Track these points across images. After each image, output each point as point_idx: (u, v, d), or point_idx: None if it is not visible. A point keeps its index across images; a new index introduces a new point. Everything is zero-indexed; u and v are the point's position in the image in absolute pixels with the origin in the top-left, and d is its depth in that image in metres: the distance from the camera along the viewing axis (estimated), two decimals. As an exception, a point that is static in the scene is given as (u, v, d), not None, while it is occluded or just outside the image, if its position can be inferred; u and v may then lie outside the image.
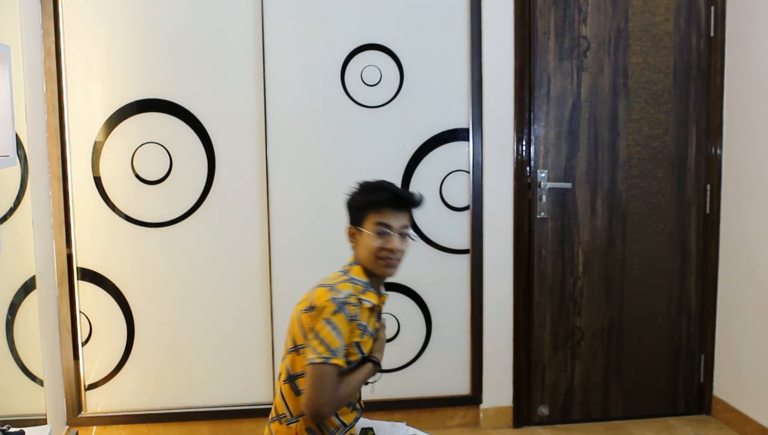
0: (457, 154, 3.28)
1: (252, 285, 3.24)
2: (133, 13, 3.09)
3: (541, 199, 3.31)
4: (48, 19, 3.01)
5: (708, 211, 3.43)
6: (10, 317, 2.62)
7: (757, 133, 3.16)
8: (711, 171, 3.42)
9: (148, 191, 3.17)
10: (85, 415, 3.20)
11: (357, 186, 2.10)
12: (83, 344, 3.20)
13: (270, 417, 2.11)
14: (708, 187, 3.42)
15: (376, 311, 2.07)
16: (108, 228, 3.16)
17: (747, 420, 3.25)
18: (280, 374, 2.09)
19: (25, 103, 2.75)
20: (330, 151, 3.22)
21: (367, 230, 2.02)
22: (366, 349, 2.04)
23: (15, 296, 2.69)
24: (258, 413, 3.27)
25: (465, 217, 3.32)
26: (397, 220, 2.02)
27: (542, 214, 3.32)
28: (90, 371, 3.22)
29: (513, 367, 3.39)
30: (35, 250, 2.84)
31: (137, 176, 3.16)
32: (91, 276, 3.18)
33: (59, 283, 3.11)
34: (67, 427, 3.17)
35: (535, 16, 3.24)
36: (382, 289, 2.12)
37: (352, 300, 1.96)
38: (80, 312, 3.18)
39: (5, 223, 2.54)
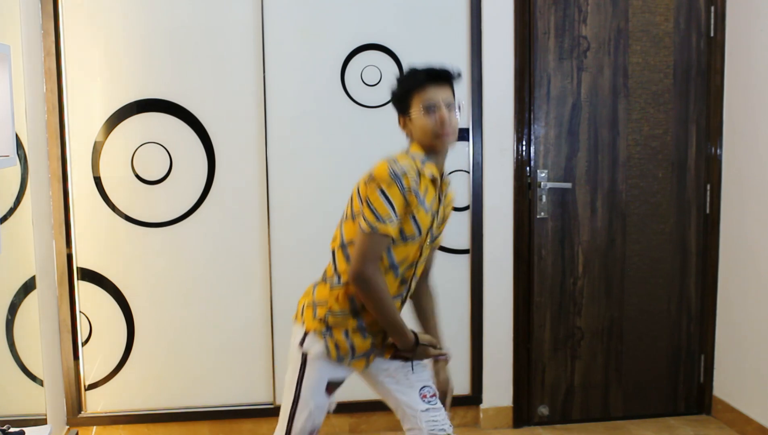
0: (457, 154, 3.28)
1: (252, 285, 3.24)
2: (133, 13, 3.09)
3: (541, 199, 3.31)
4: (48, 19, 3.01)
5: (708, 211, 3.43)
6: (10, 317, 2.62)
7: (757, 133, 3.16)
8: (711, 171, 3.42)
9: (148, 191, 3.17)
10: (85, 415, 3.21)
11: (394, 80, 2.15)
12: (83, 344, 3.20)
13: (317, 280, 2.19)
14: (708, 187, 3.43)
15: (437, 186, 2.07)
16: (108, 228, 3.16)
17: (747, 420, 3.25)
18: (335, 238, 2.14)
19: (25, 103, 2.75)
20: (330, 151, 3.22)
21: (415, 113, 2.06)
22: (423, 224, 2.02)
23: (15, 296, 2.69)
24: (258, 413, 3.28)
25: (465, 217, 3.32)
26: (439, 95, 2.06)
27: (542, 214, 3.32)
28: (90, 371, 3.22)
29: (513, 367, 3.39)
30: (35, 250, 2.84)
31: (137, 176, 3.16)
32: (91, 276, 3.18)
33: (59, 283, 3.11)
34: (67, 427, 3.17)
35: (535, 16, 3.24)
36: (445, 172, 2.12)
37: (411, 173, 1.98)
38: (80, 312, 3.18)
39: (5, 223, 2.54)
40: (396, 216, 1.97)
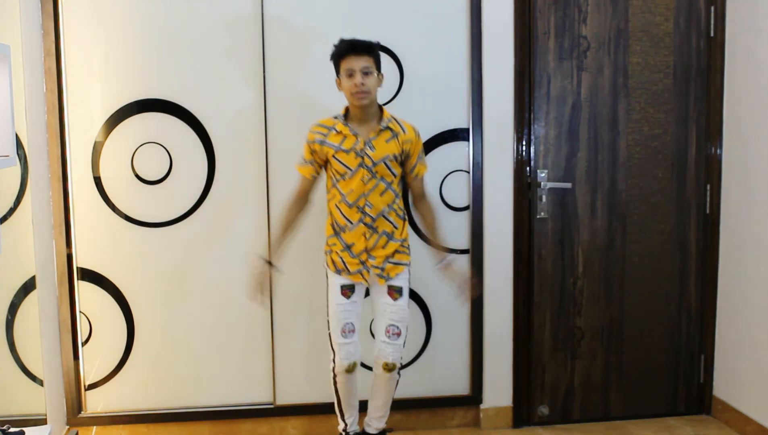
0: (457, 154, 3.28)
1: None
2: (133, 13, 3.09)
3: (541, 199, 3.31)
4: (48, 19, 3.01)
5: (708, 211, 3.43)
6: (10, 317, 2.62)
7: (757, 133, 3.16)
8: (711, 171, 3.42)
9: (148, 191, 3.17)
10: (85, 415, 3.21)
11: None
12: (83, 344, 3.20)
13: None
14: (708, 187, 3.43)
15: (349, 134, 2.71)
16: (108, 228, 3.16)
17: (747, 420, 3.25)
18: None
19: (25, 103, 2.75)
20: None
21: (340, 76, 2.70)
22: (348, 162, 2.70)
23: (15, 296, 2.69)
24: (258, 413, 3.28)
25: (465, 217, 3.32)
26: (358, 63, 2.64)
27: (542, 214, 3.32)
28: (90, 371, 3.22)
29: (513, 367, 3.39)
30: (35, 250, 2.84)
31: (137, 176, 3.16)
32: (91, 276, 3.18)
33: (59, 283, 3.11)
34: (67, 427, 3.17)
35: (535, 16, 3.24)
36: (376, 124, 2.73)
37: (317, 129, 2.76)
38: (80, 312, 3.18)
39: (5, 223, 2.54)
40: (303, 160, 2.79)
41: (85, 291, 3.18)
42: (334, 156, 2.72)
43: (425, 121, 3.23)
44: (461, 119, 3.28)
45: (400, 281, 2.83)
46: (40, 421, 2.75)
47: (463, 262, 3.33)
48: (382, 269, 2.79)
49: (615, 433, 3.36)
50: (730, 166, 3.36)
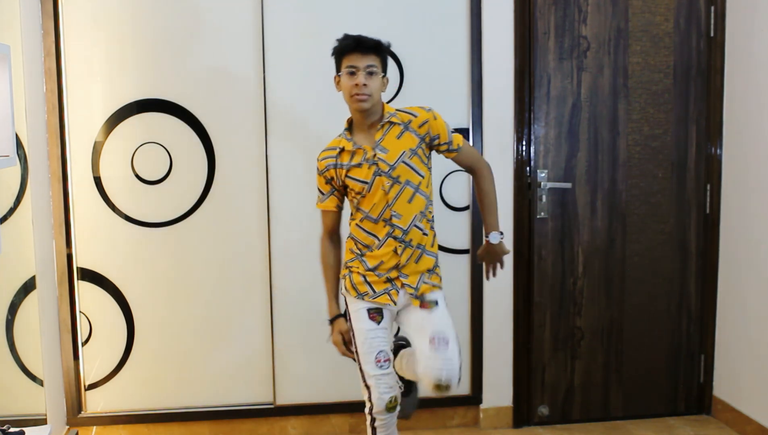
0: (457, 154, 3.28)
1: (252, 285, 3.24)
2: (133, 13, 3.09)
3: (541, 199, 3.31)
4: (48, 19, 3.01)
5: (708, 211, 3.43)
6: (10, 317, 2.62)
7: (757, 133, 3.16)
8: (711, 171, 3.42)
9: (148, 191, 3.17)
10: (85, 415, 3.21)
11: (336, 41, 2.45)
12: (83, 344, 3.20)
13: None
14: (708, 187, 3.43)
15: (359, 151, 2.42)
16: (108, 228, 3.16)
17: (747, 420, 3.25)
18: None
19: (25, 103, 2.75)
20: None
21: (341, 73, 2.40)
22: (364, 176, 2.39)
23: (15, 296, 2.69)
24: (258, 413, 3.28)
25: (465, 217, 3.32)
26: (362, 61, 2.35)
27: (542, 214, 3.32)
28: (90, 371, 3.22)
29: (513, 367, 3.39)
30: (35, 250, 2.84)
31: (137, 176, 3.16)
32: (91, 276, 3.18)
33: (59, 283, 3.11)
34: (67, 427, 3.17)
35: (535, 16, 3.24)
36: (383, 119, 2.42)
37: (321, 156, 2.49)
38: (80, 312, 3.18)
39: (5, 223, 2.54)
40: (322, 193, 2.54)
41: (85, 291, 3.18)
42: (347, 175, 2.41)
43: (425, 121, 3.24)
44: (461, 119, 3.28)
45: (434, 295, 2.46)
46: (40, 421, 2.75)
47: (463, 262, 3.33)
48: (416, 289, 2.43)
49: (615, 433, 3.36)
50: (730, 166, 3.36)
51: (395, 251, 2.41)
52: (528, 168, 3.31)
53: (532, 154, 3.31)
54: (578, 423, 3.45)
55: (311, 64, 3.17)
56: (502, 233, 2.56)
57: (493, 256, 2.57)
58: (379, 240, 2.42)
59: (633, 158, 3.37)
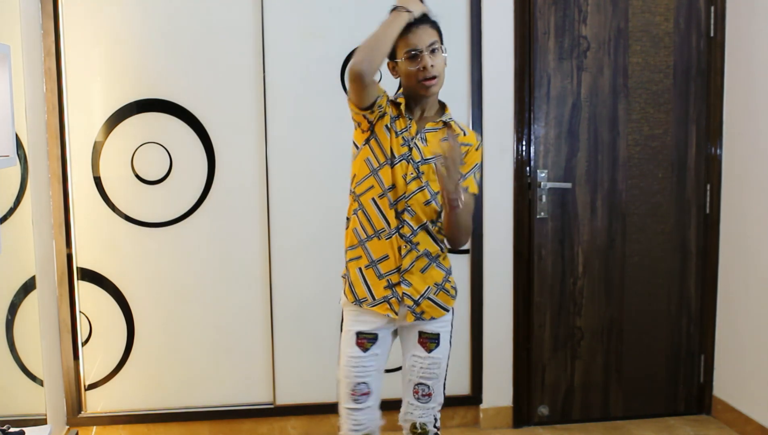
0: (457, 154, 3.28)
1: (252, 285, 3.24)
2: (133, 13, 3.09)
3: (541, 199, 3.31)
4: (48, 19, 3.01)
5: (708, 211, 3.43)
6: (10, 317, 2.62)
7: (757, 133, 3.16)
8: (711, 171, 3.42)
9: (148, 191, 3.17)
10: (85, 415, 3.20)
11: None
12: (83, 344, 3.20)
13: None
14: (708, 187, 3.42)
15: (403, 114, 2.17)
16: (108, 228, 3.16)
17: (747, 420, 3.25)
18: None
19: (25, 103, 2.75)
20: (330, 151, 3.22)
21: (401, 58, 2.11)
22: (391, 145, 2.14)
23: (15, 296, 2.69)
24: (258, 413, 3.28)
25: (465, 217, 3.32)
26: (422, 40, 2.09)
27: (542, 214, 3.32)
28: (90, 371, 3.22)
29: (513, 367, 3.39)
30: (35, 250, 2.84)
31: (137, 176, 3.16)
32: (91, 276, 3.18)
33: (59, 283, 3.11)
34: (67, 427, 3.17)
35: (535, 16, 3.24)
36: (443, 117, 2.19)
37: (386, 95, 2.15)
38: (80, 312, 3.18)
39: (5, 223, 2.54)
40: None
41: (85, 291, 3.18)
42: (382, 125, 2.15)
43: (425, 121, 3.24)
44: (461, 119, 3.27)
45: (437, 326, 2.23)
46: (40, 421, 2.75)
47: (463, 262, 3.33)
48: (416, 304, 2.18)
49: (615, 433, 3.36)
50: (730, 166, 3.36)
51: (399, 251, 2.15)
52: (528, 168, 3.31)
53: (532, 154, 3.31)
54: (578, 423, 3.45)
55: (311, 64, 3.17)
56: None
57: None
58: (389, 228, 2.14)
59: (633, 158, 3.36)
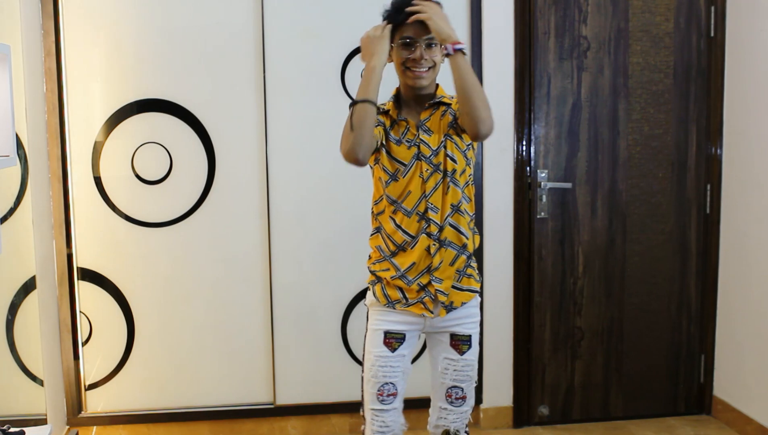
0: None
1: (252, 284, 3.24)
2: (133, 13, 3.09)
3: (541, 199, 3.31)
4: (48, 19, 3.01)
5: (708, 211, 3.43)
6: (10, 317, 2.62)
7: (757, 133, 3.16)
8: (711, 171, 3.42)
9: (148, 191, 3.17)
10: (85, 415, 3.20)
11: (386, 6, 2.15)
12: (83, 344, 3.20)
13: None
14: (708, 187, 3.42)
15: (396, 119, 2.15)
16: (108, 228, 3.16)
17: (747, 420, 3.25)
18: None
19: (25, 103, 2.75)
20: (330, 151, 3.21)
21: (395, 43, 2.09)
22: (400, 156, 2.12)
23: (15, 296, 2.69)
24: (258, 413, 3.28)
25: (465, 217, 3.32)
26: (419, 32, 2.06)
27: (542, 214, 3.32)
28: (90, 371, 3.22)
29: (513, 367, 3.39)
30: (35, 250, 2.84)
31: (137, 176, 3.16)
32: (91, 276, 3.18)
33: (59, 283, 3.11)
34: (67, 427, 3.17)
35: (535, 17, 3.24)
36: (435, 98, 2.14)
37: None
38: (80, 312, 3.18)
39: (5, 223, 2.54)
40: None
41: (85, 291, 3.18)
42: (384, 146, 2.13)
43: (425, 121, 3.23)
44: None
45: (468, 327, 2.21)
46: (41, 421, 2.75)
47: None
48: (446, 296, 2.15)
49: (615, 433, 3.36)
50: (730, 166, 3.36)
51: (428, 251, 2.12)
52: (528, 168, 3.31)
53: (532, 154, 3.31)
54: (578, 423, 3.45)
55: (311, 63, 3.17)
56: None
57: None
58: (412, 238, 2.12)
59: (633, 158, 3.36)
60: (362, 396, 2.21)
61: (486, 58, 3.24)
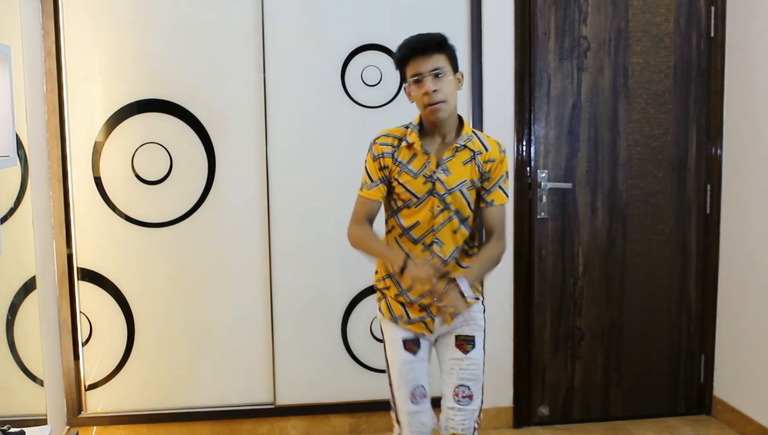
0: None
1: (252, 285, 3.24)
2: (133, 12, 3.09)
3: (541, 199, 3.31)
4: (48, 19, 3.01)
5: (708, 211, 3.43)
6: (10, 317, 2.62)
7: (757, 133, 3.16)
8: (711, 171, 3.42)
9: (148, 191, 3.17)
10: (85, 416, 3.20)
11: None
12: (83, 344, 3.20)
13: None
14: (708, 187, 3.42)
15: (420, 152, 2.20)
16: (108, 228, 3.16)
17: (747, 420, 3.25)
18: None
19: (25, 103, 2.75)
20: (330, 151, 3.22)
21: (407, 83, 2.18)
22: (414, 188, 2.18)
23: (15, 296, 2.69)
24: (258, 413, 3.28)
25: (465, 217, 3.32)
26: (426, 65, 2.13)
27: (542, 214, 3.32)
28: (90, 371, 3.22)
29: (513, 367, 3.39)
30: (35, 250, 2.84)
31: (137, 176, 3.16)
32: (91, 276, 3.18)
33: (59, 283, 3.11)
34: (68, 427, 3.17)
35: (535, 17, 3.24)
36: (453, 139, 2.21)
37: (385, 140, 2.22)
38: (80, 312, 3.18)
39: (5, 223, 2.54)
40: (371, 180, 2.22)
41: (85, 291, 3.18)
42: (397, 178, 2.20)
43: (425, 121, 3.23)
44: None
45: (472, 328, 2.28)
46: (41, 421, 2.75)
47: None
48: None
49: (615, 433, 3.36)
50: (730, 166, 3.36)
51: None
52: (528, 168, 3.31)
53: (532, 154, 3.31)
54: (578, 423, 3.45)
55: (311, 63, 3.17)
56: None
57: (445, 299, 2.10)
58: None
59: (633, 158, 3.37)
60: (393, 402, 2.29)
61: (486, 58, 3.24)
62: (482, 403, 2.32)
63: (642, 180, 3.38)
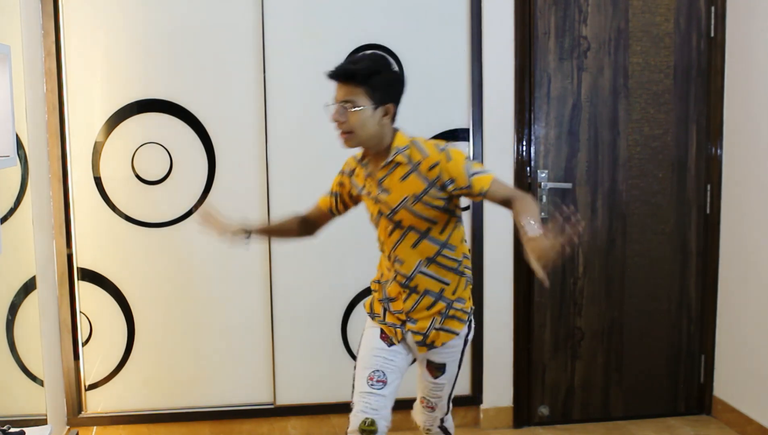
0: (458, 154, 3.28)
1: (252, 285, 3.24)
2: (134, 13, 3.09)
3: (541, 200, 3.31)
4: (48, 19, 3.01)
5: (708, 211, 3.43)
6: (10, 317, 2.62)
7: (757, 133, 3.16)
8: (711, 171, 3.42)
9: (148, 191, 3.17)
10: (85, 416, 3.20)
11: None
12: (83, 344, 3.20)
13: None
14: (708, 187, 3.42)
15: (363, 175, 2.22)
16: (108, 228, 3.16)
17: (747, 420, 3.25)
18: None
19: (25, 103, 2.75)
20: (330, 151, 3.20)
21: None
22: (367, 205, 2.23)
23: (15, 296, 2.69)
24: (258, 413, 3.28)
25: (465, 218, 3.32)
26: (339, 94, 2.08)
27: (542, 214, 3.32)
28: (90, 371, 3.22)
29: (513, 367, 3.39)
30: (35, 250, 2.84)
31: (137, 176, 3.16)
32: (91, 276, 3.18)
33: (59, 283, 3.11)
34: (68, 427, 3.17)
35: (535, 17, 3.24)
36: (388, 157, 2.12)
37: (349, 158, 2.30)
38: (80, 312, 3.18)
39: (5, 223, 2.54)
40: (329, 191, 2.36)
41: (85, 291, 3.18)
42: (360, 198, 2.28)
43: (426, 122, 3.24)
44: (462, 120, 3.28)
45: (444, 356, 2.25)
46: (41, 421, 2.75)
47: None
48: (425, 337, 2.20)
49: (615, 433, 3.36)
50: (730, 166, 3.36)
51: (400, 296, 2.20)
52: (528, 168, 3.31)
53: (532, 154, 3.31)
54: (578, 423, 3.45)
55: (311, 63, 3.17)
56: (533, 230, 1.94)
57: (539, 253, 1.84)
58: (388, 279, 2.23)
59: (633, 158, 3.36)
60: (353, 387, 2.24)
61: (486, 58, 3.24)
62: (450, 406, 2.44)
63: (642, 180, 3.38)
